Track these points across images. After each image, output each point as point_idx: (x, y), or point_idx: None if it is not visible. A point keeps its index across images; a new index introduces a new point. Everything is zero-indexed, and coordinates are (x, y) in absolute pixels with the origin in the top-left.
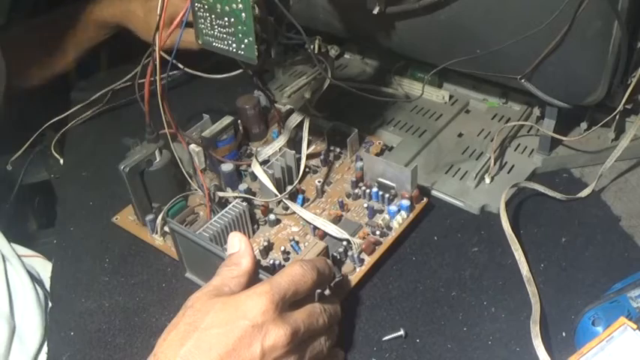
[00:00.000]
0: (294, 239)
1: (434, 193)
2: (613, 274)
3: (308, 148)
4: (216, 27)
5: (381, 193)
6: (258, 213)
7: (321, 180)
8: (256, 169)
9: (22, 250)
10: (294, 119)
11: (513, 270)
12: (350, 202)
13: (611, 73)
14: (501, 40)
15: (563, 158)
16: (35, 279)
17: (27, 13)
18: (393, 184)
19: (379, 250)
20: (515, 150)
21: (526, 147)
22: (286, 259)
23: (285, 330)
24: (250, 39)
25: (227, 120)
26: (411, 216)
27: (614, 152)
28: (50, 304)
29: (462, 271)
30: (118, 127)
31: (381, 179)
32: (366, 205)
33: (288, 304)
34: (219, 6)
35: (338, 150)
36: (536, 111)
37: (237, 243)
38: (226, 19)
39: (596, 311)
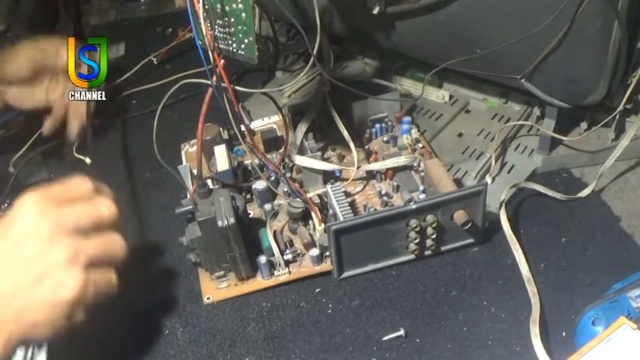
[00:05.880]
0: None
1: None
2: (613, 274)
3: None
4: (216, 27)
5: (379, 126)
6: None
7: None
8: (302, 160)
9: None
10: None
11: (513, 270)
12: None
13: (611, 73)
14: (501, 40)
15: (563, 158)
16: None
17: (26, 19)
18: (384, 112)
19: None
20: (515, 150)
21: (526, 147)
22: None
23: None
24: (250, 39)
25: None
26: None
27: (614, 152)
28: None
29: (462, 271)
30: (118, 127)
31: (372, 117)
32: (386, 139)
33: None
34: (219, 6)
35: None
36: (536, 111)
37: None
38: (226, 19)
39: (596, 311)
